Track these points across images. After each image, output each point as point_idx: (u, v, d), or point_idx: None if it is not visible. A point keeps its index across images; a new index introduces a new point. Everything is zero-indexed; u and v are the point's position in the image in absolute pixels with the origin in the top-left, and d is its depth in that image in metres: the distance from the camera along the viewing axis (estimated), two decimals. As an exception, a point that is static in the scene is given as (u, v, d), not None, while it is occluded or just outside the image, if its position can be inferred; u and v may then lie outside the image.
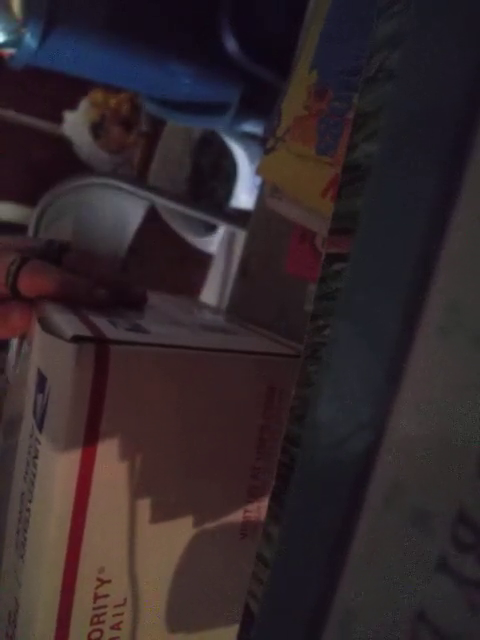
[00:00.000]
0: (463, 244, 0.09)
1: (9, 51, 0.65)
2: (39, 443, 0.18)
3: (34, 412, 0.19)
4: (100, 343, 0.18)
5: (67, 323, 0.19)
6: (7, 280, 0.23)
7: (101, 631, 0.19)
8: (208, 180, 1.08)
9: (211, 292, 0.90)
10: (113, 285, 0.26)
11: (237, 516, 0.22)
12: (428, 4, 0.10)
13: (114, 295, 0.25)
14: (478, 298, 0.08)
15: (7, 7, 0.61)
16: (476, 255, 0.08)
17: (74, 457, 0.17)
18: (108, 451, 0.18)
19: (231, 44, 0.69)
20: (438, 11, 0.10)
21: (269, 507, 0.14)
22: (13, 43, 0.63)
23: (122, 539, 0.19)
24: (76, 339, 0.17)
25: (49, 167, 1.37)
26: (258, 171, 0.26)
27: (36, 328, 0.20)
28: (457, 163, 0.09)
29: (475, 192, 0.09)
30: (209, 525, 0.21)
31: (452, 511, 0.08)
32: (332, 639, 0.10)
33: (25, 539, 0.19)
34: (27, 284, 0.23)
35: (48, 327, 0.19)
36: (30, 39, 0.62)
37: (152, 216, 0.93)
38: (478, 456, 0.08)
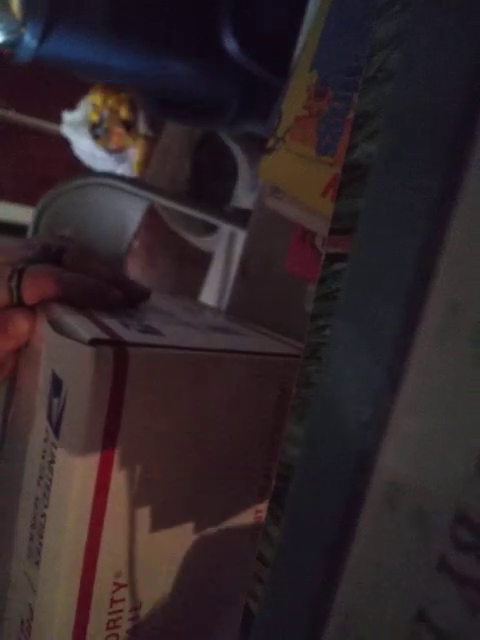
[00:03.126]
0: (463, 244, 0.09)
1: (9, 51, 0.65)
2: (55, 448, 0.18)
3: (49, 416, 0.19)
4: (118, 346, 0.17)
5: (81, 325, 0.19)
6: (11, 294, 0.22)
7: (117, 636, 0.19)
8: (208, 180, 1.08)
9: (211, 292, 0.89)
10: (120, 284, 0.26)
11: (248, 516, 0.22)
12: (428, 4, 0.10)
13: (124, 294, 0.25)
14: (478, 299, 0.08)
15: (7, 7, 0.61)
16: (476, 255, 0.08)
17: (93, 462, 0.17)
18: (126, 455, 0.18)
19: (231, 44, 0.69)
20: (437, 11, 0.10)
21: (269, 507, 0.14)
22: (12, 43, 0.63)
23: (139, 542, 0.19)
24: (94, 342, 0.17)
25: (49, 167, 1.38)
26: (258, 171, 0.26)
27: (47, 330, 0.20)
28: (457, 163, 0.09)
29: (475, 192, 0.09)
30: (222, 526, 0.21)
31: (452, 511, 0.08)
32: (332, 639, 0.10)
33: (40, 545, 0.19)
34: (32, 292, 0.22)
35: (61, 329, 0.19)
36: (29, 39, 0.62)
37: (152, 216, 0.93)
38: (477, 456, 0.08)
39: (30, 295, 0.22)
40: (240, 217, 0.84)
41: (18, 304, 0.23)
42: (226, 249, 0.88)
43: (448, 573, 0.08)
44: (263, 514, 0.22)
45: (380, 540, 0.09)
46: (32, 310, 0.23)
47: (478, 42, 0.09)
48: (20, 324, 0.22)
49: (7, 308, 0.22)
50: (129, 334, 0.19)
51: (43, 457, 0.19)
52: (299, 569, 0.11)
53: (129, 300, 0.26)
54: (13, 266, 0.23)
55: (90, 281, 0.24)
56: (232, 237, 0.87)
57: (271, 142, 0.25)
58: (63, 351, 0.18)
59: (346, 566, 0.10)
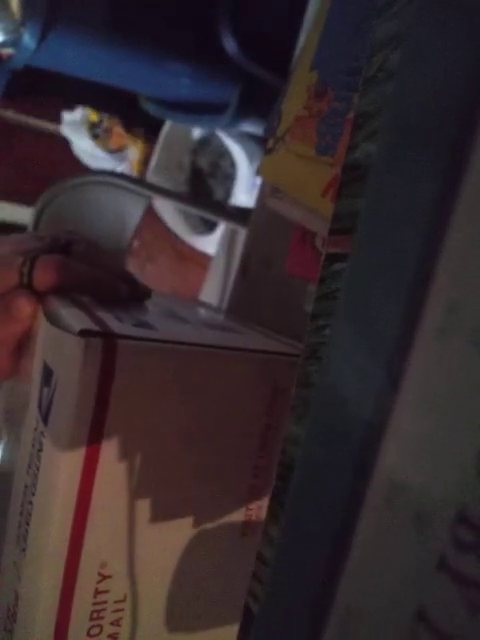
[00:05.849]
0: (463, 244, 0.09)
1: (8, 51, 0.65)
2: (44, 436, 0.18)
3: (39, 405, 0.19)
4: (108, 338, 0.18)
5: (74, 317, 0.19)
6: (22, 279, 0.23)
7: (100, 626, 0.19)
8: (207, 180, 1.08)
9: (211, 292, 0.90)
10: (125, 279, 0.26)
11: (238, 515, 0.22)
12: (428, 4, 0.10)
13: (131, 290, 0.26)
14: (478, 298, 0.08)
15: (6, 7, 0.61)
16: (476, 255, 0.08)
17: (79, 451, 0.17)
18: (112, 446, 0.18)
19: (230, 44, 0.69)
20: (438, 11, 0.10)
21: (269, 507, 0.14)
22: (12, 43, 0.63)
23: (124, 534, 0.19)
24: (84, 333, 0.17)
25: (48, 167, 1.38)
26: (258, 171, 0.26)
27: (42, 321, 0.20)
28: (457, 163, 0.09)
29: (475, 192, 0.09)
30: (210, 523, 0.21)
31: (452, 511, 0.08)
32: (332, 639, 0.10)
33: (27, 532, 0.19)
34: (44, 279, 0.23)
35: (55, 321, 0.19)
36: (28, 39, 0.62)
37: (151, 215, 0.93)
38: (478, 456, 0.08)
39: (41, 282, 0.23)
40: (241, 215, 0.84)
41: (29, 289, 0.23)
42: (226, 249, 0.88)
43: (448, 573, 0.08)
44: (254, 512, 0.22)
45: (380, 540, 0.09)
46: (35, 295, 0.23)
47: (478, 42, 0.09)
48: (23, 307, 0.22)
49: (14, 289, 0.23)
50: (121, 327, 0.19)
51: (33, 446, 0.20)
52: (299, 569, 0.11)
53: (134, 296, 0.26)
54: (25, 255, 0.23)
55: (100, 273, 0.24)
56: (232, 237, 0.87)
57: (271, 142, 0.25)
58: (54, 342, 0.19)
59: (346, 566, 0.10)
